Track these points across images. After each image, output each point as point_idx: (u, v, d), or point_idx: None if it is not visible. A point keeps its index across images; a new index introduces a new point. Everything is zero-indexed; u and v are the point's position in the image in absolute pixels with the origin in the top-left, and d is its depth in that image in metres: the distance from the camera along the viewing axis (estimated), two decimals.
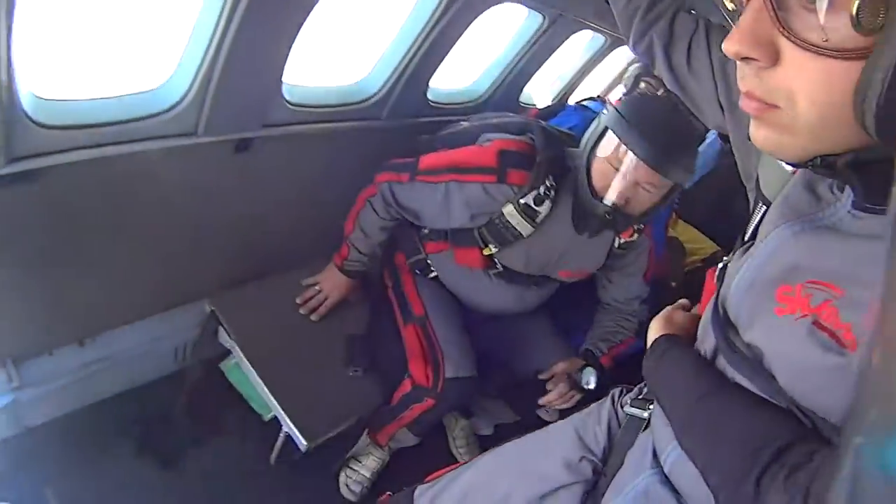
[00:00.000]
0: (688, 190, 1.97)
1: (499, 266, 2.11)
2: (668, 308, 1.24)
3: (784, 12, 0.59)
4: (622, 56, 3.34)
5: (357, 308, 2.39)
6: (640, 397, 1.26)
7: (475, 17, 2.20)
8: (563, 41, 2.77)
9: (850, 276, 0.71)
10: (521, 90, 3.00)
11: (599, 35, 3.02)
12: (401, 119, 2.41)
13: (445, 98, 2.64)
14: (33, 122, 1.43)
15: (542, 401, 2.17)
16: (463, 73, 2.76)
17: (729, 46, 0.63)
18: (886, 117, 0.56)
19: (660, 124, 1.70)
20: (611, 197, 1.81)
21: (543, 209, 1.91)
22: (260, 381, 2.01)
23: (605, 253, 2.15)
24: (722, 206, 2.89)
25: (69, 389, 1.93)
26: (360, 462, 2.26)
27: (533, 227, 1.94)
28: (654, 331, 1.16)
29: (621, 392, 1.34)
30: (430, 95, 2.49)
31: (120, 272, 1.91)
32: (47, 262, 1.71)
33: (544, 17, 2.55)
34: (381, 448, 2.27)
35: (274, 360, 2.07)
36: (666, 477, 1.06)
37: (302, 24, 1.71)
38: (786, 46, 0.60)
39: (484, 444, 2.49)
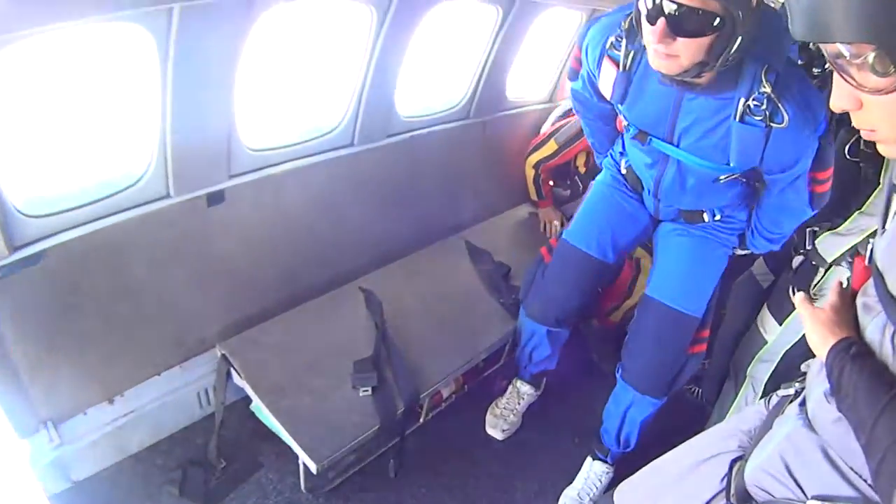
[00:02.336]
0: None
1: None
2: (810, 306, 1.30)
3: (850, 77, 0.90)
4: None
5: (364, 331, 2.70)
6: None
7: (418, 22, 2.51)
8: (528, 27, 3.04)
9: None
10: (504, 88, 3.27)
11: (575, 12, 3.26)
12: (372, 142, 2.74)
13: (421, 111, 2.98)
14: (25, 215, 1.90)
15: None
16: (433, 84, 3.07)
17: (833, 106, 0.96)
18: None
19: None
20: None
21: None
22: (269, 414, 2.36)
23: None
24: None
25: (107, 443, 2.35)
26: None
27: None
28: (820, 335, 1.22)
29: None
30: (400, 112, 2.81)
31: (133, 332, 2.34)
32: (66, 332, 2.15)
33: (498, 9, 2.81)
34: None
35: (284, 392, 2.42)
36: (809, 422, 1.29)
37: (232, 79, 2.08)
38: (861, 95, 0.91)
39: None
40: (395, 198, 3.06)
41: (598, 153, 2.63)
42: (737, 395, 2.68)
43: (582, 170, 3.67)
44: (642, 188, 2.38)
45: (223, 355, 2.48)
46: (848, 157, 2.17)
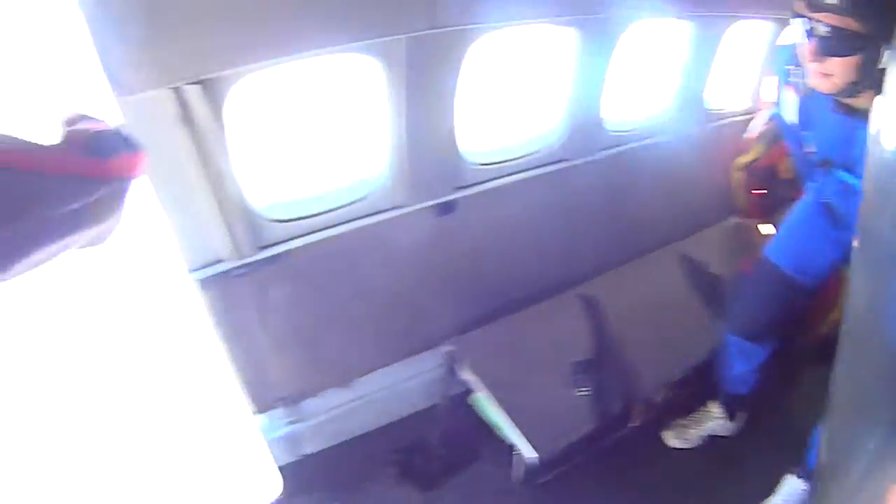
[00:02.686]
0: None
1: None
2: None
3: None
4: None
5: (582, 336, 2.87)
6: None
7: (617, 41, 2.57)
8: (720, 38, 3.00)
9: None
10: (705, 99, 3.27)
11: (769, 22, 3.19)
12: (583, 156, 2.83)
13: (626, 126, 3.05)
14: (271, 220, 2.18)
15: None
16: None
17: None
18: None
19: None
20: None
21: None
22: (494, 407, 2.55)
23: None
24: None
25: (336, 423, 2.65)
26: None
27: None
28: None
29: None
30: (607, 127, 2.88)
31: (367, 326, 2.60)
32: (305, 323, 2.45)
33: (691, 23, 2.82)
34: None
35: (507, 387, 2.60)
36: None
37: (454, 98, 2.26)
38: None
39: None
40: (609, 210, 3.12)
41: (804, 178, 2.53)
42: None
43: (788, 175, 3.46)
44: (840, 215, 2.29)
45: (450, 351, 2.66)
46: None
